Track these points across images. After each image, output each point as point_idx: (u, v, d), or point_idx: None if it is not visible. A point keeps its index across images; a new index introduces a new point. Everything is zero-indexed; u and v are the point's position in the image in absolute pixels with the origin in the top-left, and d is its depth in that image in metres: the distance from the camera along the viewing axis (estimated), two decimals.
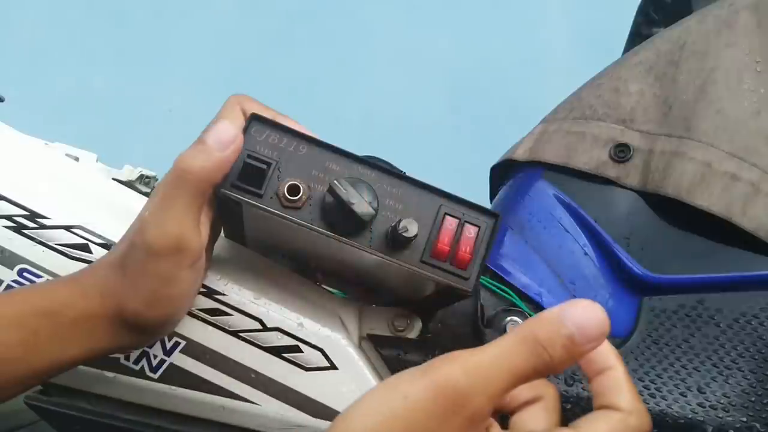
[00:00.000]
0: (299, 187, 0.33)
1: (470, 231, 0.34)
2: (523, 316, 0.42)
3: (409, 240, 0.33)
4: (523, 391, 0.30)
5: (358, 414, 0.25)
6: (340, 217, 0.33)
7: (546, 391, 0.30)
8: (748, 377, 0.36)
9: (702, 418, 0.35)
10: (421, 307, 0.41)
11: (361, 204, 0.32)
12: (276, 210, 0.34)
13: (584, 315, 0.25)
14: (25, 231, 0.40)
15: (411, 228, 0.33)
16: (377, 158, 0.39)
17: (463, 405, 0.24)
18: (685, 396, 0.36)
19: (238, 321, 0.40)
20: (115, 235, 0.41)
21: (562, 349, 0.25)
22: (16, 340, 0.32)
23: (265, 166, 0.34)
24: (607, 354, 0.28)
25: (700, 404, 0.36)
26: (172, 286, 0.33)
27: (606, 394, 0.27)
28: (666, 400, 0.36)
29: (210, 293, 0.40)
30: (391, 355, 0.40)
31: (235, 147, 0.32)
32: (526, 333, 0.25)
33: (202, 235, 0.34)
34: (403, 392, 0.25)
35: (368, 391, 0.26)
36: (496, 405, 0.26)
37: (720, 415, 0.35)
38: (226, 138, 0.32)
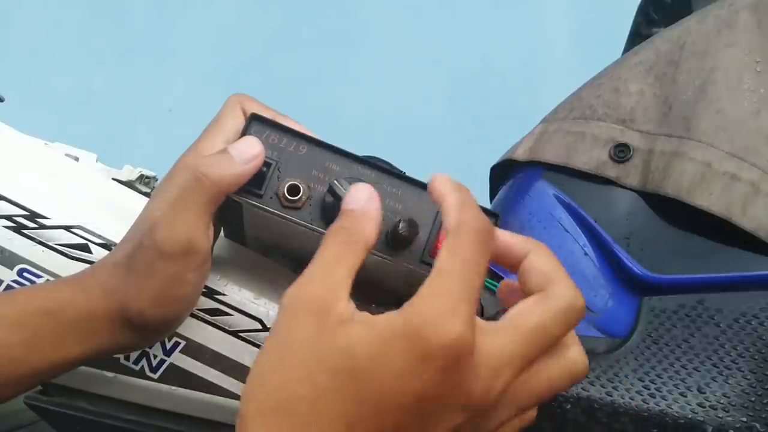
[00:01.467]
0: (299, 187, 0.33)
1: None
2: None
3: (409, 240, 0.33)
4: None
5: (249, 375, 0.26)
6: None
7: None
8: (748, 377, 0.36)
9: (702, 418, 0.35)
10: None
11: None
12: (276, 210, 0.34)
13: (350, 192, 0.30)
14: (25, 231, 0.40)
15: (411, 228, 0.33)
16: (377, 158, 0.39)
17: (301, 303, 0.27)
18: (685, 396, 0.36)
19: (238, 321, 0.40)
20: (115, 235, 0.41)
21: (345, 218, 0.29)
22: (17, 340, 0.32)
23: (264, 167, 0.34)
24: (520, 245, 0.30)
25: (700, 404, 0.36)
26: (179, 287, 0.34)
27: (528, 281, 0.29)
28: (666, 400, 0.36)
29: (210, 293, 0.40)
30: None
31: (257, 162, 0.33)
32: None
33: (209, 236, 0.34)
34: (269, 331, 0.28)
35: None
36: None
37: (720, 415, 0.35)
38: (251, 154, 0.33)
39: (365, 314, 0.27)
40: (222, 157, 0.33)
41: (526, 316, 0.27)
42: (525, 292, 0.29)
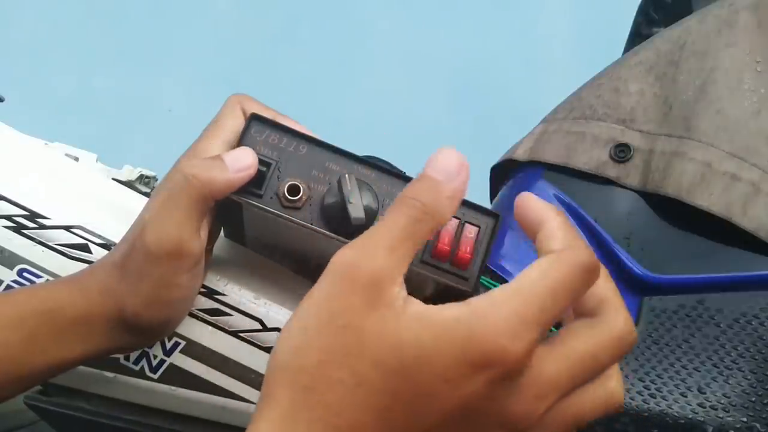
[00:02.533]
0: (299, 187, 0.33)
1: (470, 231, 0.34)
2: None
3: None
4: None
5: (281, 335, 0.25)
6: (340, 218, 0.33)
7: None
8: (749, 377, 0.36)
9: (702, 419, 0.35)
10: None
11: (358, 208, 0.32)
12: (276, 210, 0.34)
13: (435, 158, 0.27)
14: (25, 231, 0.40)
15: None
16: (377, 158, 0.39)
17: (356, 273, 0.24)
18: (686, 396, 0.36)
19: (238, 321, 0.40)
20: (115, 235, 0.41)
21: (427, 191, 0.26)
22: (15, 340, 0.32)
23: (264, 167, 0.34)
24: (541, 210, 0.28)
25: (700, 404, 0.36)
26: (171, 290, 0.34)
27: (542, 245, 0.27)
28: (666, 400, 0.36)
29: (210, 293, 0.40)
30: None
31: (249, 172, 0.33)
32: (398, 197, 0.27)
33: (201, 239, 0.34)
34: (309, 293, 0.25)
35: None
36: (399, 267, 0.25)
37: (720, 416, 0.35)
38: (244, 164, 0.33)
39: (418, 304, 0.25)
40: (215, 162, 0.32)
41: (578, 343, 0.26)
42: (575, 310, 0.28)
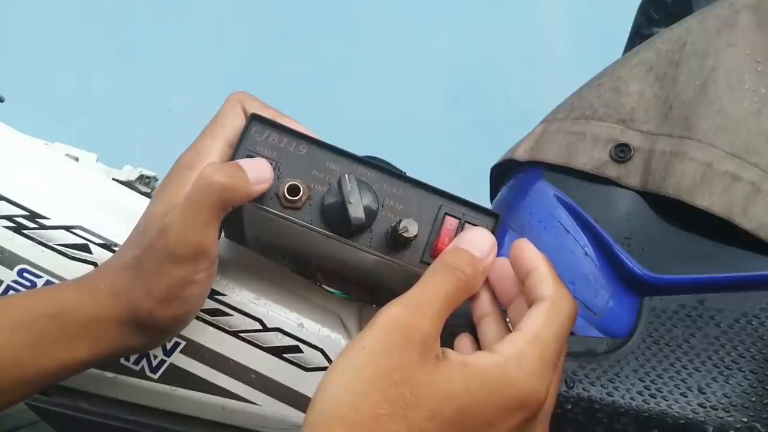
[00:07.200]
0: (299, 187, 0.33)
1: None
2: None
3: (410, 240, 0.33)
4: (476, 312, 0.33)
5: (332, 380, 0.27)
6: (340, 218, 0.33)
7: (493, 309, 0.33)
8: (749, 377, 0.36)
9: (703, 419, 0.35)
10: None
11: (358, 208, 0.32)
12: (276, 210, 0.34)
13: (472, 235, 0.32)
14: (25, 231, 0.40)
15: (411, 228, 0.33)
16: (377, 158, 0.39)
17: (412, 332, 0.27)
18: (686, 396, 0.36)
19: (238, 321, 0.40)
20: (115, 234, 0.41)
21: (468, 264, 0.31)
22: (23, 342, 0.32)
23: None
24: (532, 258, 0.31)
25: (700, 404, 0.36)
26: (187, 288, 0.34)
27: (533, 290, 0.30)
28: (666, 400, 0.36)
29: (210, 293, 0.40)
30: None
31: (266, 186, 0.33)
32: (438, 263, 0.31)
33: (217, 242, 0.34)
34: (361, 344, 0.27)
35: (335, 359, 0.28)
36: (441, 328, 0.29)
37: (721, 416, 0.35)
38: (264, 177, 0.33)
39: (454, 354, 0.28)
40: (237, 172, 0.33)
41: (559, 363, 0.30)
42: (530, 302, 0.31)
